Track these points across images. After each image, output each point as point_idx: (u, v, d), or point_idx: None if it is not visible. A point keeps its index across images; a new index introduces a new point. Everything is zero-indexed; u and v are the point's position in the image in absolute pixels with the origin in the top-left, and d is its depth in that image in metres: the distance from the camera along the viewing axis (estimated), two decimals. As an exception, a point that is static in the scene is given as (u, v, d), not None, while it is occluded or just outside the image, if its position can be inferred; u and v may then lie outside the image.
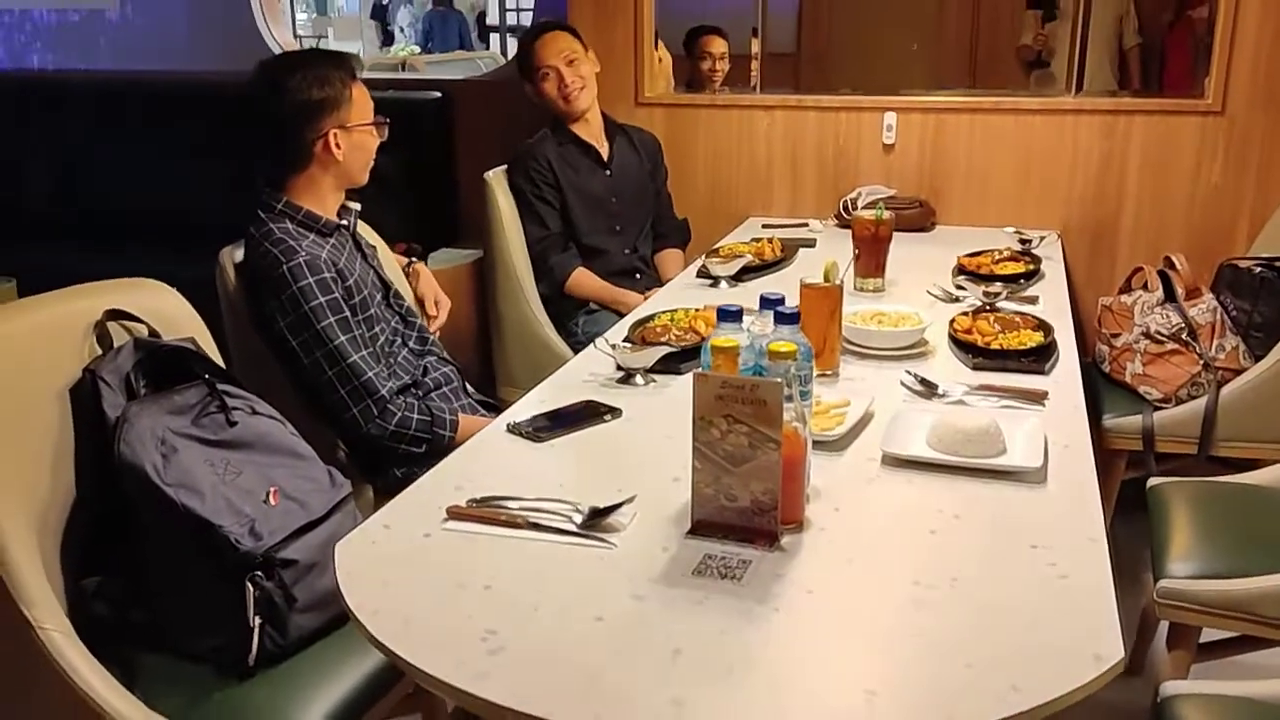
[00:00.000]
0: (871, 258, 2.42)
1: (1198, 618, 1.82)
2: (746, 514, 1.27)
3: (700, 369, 1.37)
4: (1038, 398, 1.75)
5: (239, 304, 1.99)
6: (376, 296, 2.07)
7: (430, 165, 3.75)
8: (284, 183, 2.00)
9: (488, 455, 1.58)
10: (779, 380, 1.23)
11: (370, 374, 1.93)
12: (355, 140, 2.00)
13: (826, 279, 1.86)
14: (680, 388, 1.82)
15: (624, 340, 1.96)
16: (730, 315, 1.41)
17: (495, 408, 2.18)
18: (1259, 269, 2.74)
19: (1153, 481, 2.21)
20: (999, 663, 1.06)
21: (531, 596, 1.19)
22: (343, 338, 1.91)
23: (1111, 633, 1.10)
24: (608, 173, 2.97)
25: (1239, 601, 1.77)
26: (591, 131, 2.96)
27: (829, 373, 1.85)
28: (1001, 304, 2.23)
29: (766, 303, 1.44)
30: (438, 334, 2.29)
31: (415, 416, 1.97)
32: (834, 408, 1.66)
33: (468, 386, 2.20)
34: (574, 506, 1.35)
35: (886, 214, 2.40)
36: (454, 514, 1.35)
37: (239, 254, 2.01)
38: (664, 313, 2.14)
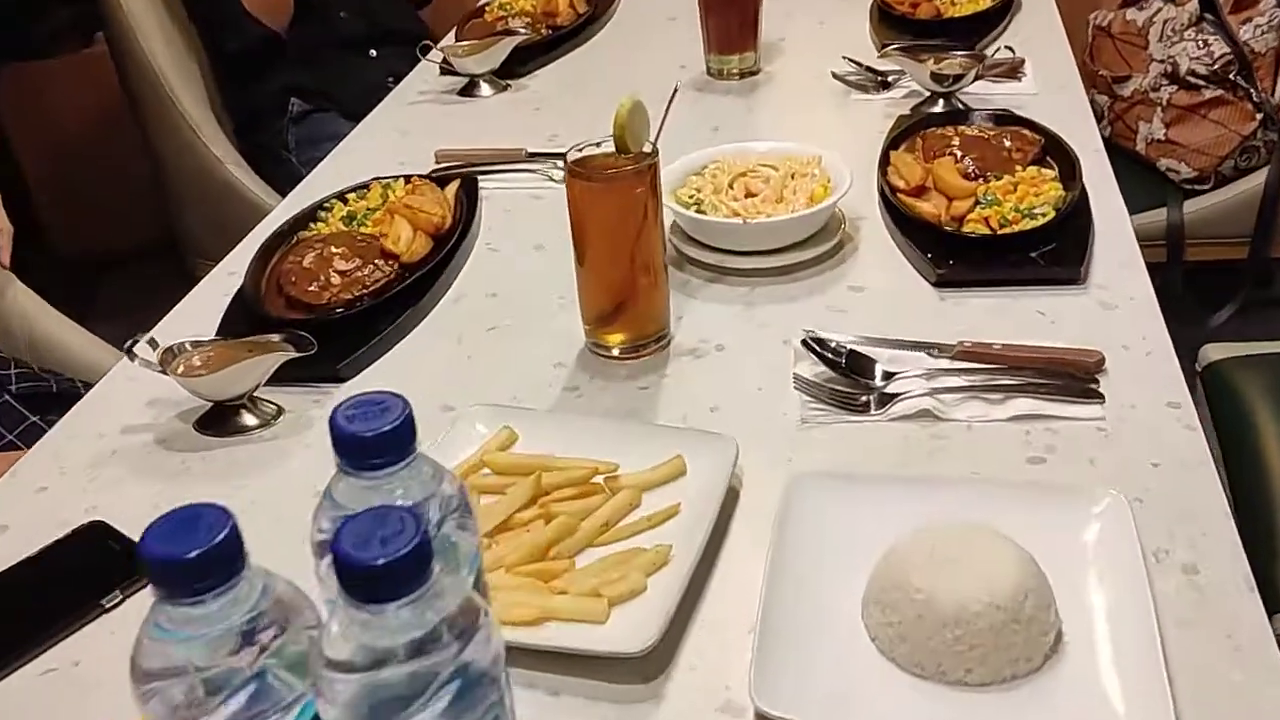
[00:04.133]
0: (733, 15, 1.37)
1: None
2: None
3: None
4: (1085, 382, 0.82)
5: None
6: None
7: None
8: None
9: None
10: None
11: None
12: None
13: (622, 146, 0.85)
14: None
15: (215, 335, 0.93)
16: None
17: (65, 398, 1.17)
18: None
19: (1211, 355, 1.34)
20: None
21: None
22: None
23: None
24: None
25: None
26: None
27: (650, 340, 0.88)
28: (966, 94, 1.23)
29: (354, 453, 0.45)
30: None
31: None
32: (632, 534, 0.71)
33: (10, 372, 1.19)
34: None
35: (754, -69, 1.33)
36: None
37: None
38: (337, 200, 1.11)
